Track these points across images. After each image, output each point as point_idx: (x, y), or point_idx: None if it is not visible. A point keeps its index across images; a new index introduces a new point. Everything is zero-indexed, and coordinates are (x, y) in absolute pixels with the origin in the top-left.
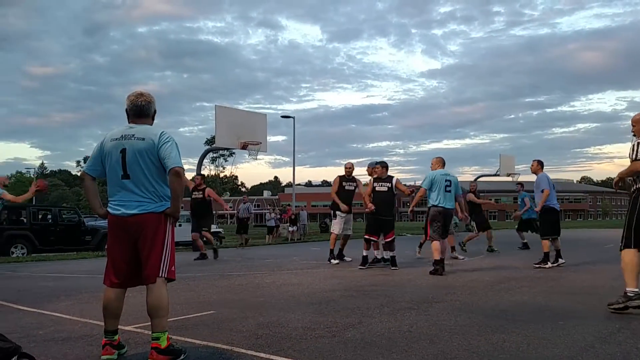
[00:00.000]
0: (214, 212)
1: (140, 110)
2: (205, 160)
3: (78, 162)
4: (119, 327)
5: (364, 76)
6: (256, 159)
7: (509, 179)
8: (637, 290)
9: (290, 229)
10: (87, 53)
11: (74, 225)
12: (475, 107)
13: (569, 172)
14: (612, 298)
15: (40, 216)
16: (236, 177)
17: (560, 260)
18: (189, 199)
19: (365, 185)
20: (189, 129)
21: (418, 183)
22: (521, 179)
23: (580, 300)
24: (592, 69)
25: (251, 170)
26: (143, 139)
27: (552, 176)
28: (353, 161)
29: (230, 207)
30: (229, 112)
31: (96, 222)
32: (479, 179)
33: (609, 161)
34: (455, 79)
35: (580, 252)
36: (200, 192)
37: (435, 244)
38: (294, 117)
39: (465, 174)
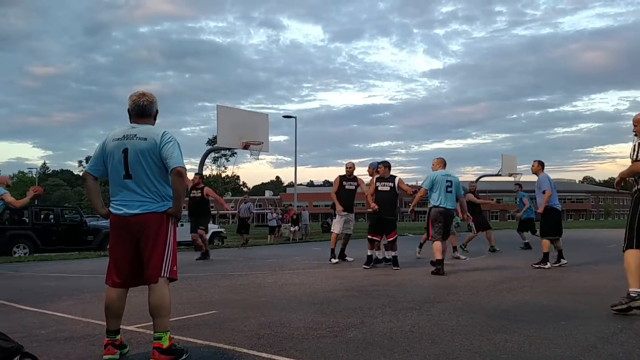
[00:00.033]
0: (215, 212)
1: (142, 110)
2: (207, 160)
3: (80, 162)
4: (121, 326)
5: (366, 76)
6: (258, 158)
7: (511, 179)
8: None
9: (292, 229)
10: (89, 53)
11: (76, 225)
12: (477, 107)
13: (571, 172)
14: (614, 299)
15: (42, 216)
16: (238, 177)
17: (563, 261)
18: (187, 198)
19: (367, 185)
20: (191, 129)
21: (420, 183)
22: (523, 179)
23: (582, 300)
24: (595, 68)
25: (253, 170)
26: (145, 139)
27: (554, 176)
28: (355, 161)
29: (232, 207)
30: (230, 112)
31: (98, 222)
32: (481, 179)
33: (611, 161)
34: (457, 79)
35: (583, 252)
36: (199, 191)
37: (437, 244)
38: (295, 117)
39: (467, 174)
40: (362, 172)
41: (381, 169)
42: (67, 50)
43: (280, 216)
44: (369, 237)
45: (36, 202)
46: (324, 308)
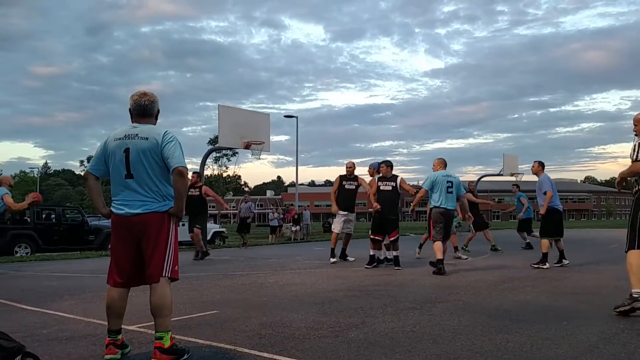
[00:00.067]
0: (217, 211)
1: (144, 109)
2: (208, 160)
3: (81, 161)
4: (123, 326)
5: (367, 76)
6: (259, 158)
7: (513, 178)
8: None
9: (293, 228)
10: (91, 53)
11: (77, 225)
12: (479, 106)
13: (573, 172)
14: (616, 299)
15: (43, 216)
16: (239, 176)
17: (565, 261)
18: None
19: (368, 184)
20: (192, 129)
21: (421, 183)
22: (524, 178)
23: (584, 300)
24: (596, 68)
25: (254, 170)
26: (146, 139)
27: (555, 176)
28: (356, 161)
29: (233, 207)
30: (232, 112)
31: (99, 221)
32: (482, 179)
33: (613, 161)
34: (458, 79)
35: (584, 252)
36: (197, 190)
37: (437, 244)
38: (297, 117)
39: (469, 174)
40: (363, 172)
41: (383, 169)
42: (69, 50)
43: (282, 216)
44: (372, 237)
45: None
46: (326, 308)
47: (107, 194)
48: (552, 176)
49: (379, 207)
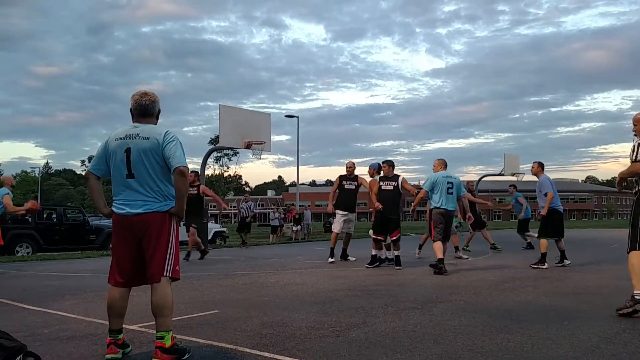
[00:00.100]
0: (217, 211)
1: (145, 109)
2: (209, 160)
3: (83, 161)
4: (124, 326)
5: (368, 75)
6: (260, 158)
7: (514, 178)
8: None
9: (294, 228)
10: (92, 53)
11: (78, 225)
12: (480, 106)
13: (574, 172)
14: (617, 299)
15: (45, 215)
16: (240, 176)
17: (566, 261)
18: None
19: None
20: (193, 129)
21: (422, 182)
22: (525, 178)
23: (585, 300)
24: (597, 68)
25: (255, 170)
26: (147, 138)
27: (556, 176)
28: (357, 160)
29: (234, 207)
30: (232, 112)
31: (101, 221)
32: (483, 179)
33: (614, 160)
34: (459, 78)
35: (586, 252)
36: (195, 189)
37: (437, 244)
38: (297, 117)
39: (470, 174)
40: (363, 172)
41: (385, 168)
42: (69, 50)
43: (283, 216)
44: (374, 236)
45: (39, 201)
46: (326, 308)
47: (108, 193)
48: (553, 176)
49: (380, 206)
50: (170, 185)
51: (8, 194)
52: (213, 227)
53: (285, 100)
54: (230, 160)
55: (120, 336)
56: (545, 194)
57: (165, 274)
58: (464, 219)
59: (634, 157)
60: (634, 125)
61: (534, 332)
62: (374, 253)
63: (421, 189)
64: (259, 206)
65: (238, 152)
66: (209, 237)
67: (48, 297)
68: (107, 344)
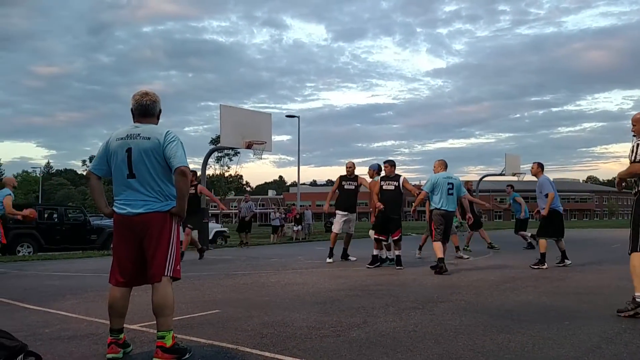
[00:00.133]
0: (218, 211)
1: (146, 109)
2: (210, 160)
3: (84, 161)
4: (125, 325)
5: (369, 75)
6: (261, 158)
7: (514, 178)
8: None
9: (295, 228)
10: (92, 53)
11: (79, 224)
12: (481, 106)
13: (575, 172)
14: (618, 299)
15: (46, 215)
16: (241, 176)
17: (567, 261)
18: None
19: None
20: (194, 129)
21: (423, 182)
22: (526, 178)
23: (586, 300)
24: (598, 68)
25: (256, 170)
26: (149, 138)
27: (557, 176)
28: (358, 160)
29: (235, 207)
30: (233, 112)
31: (102, 221)
32: (484, 179)
33: (615, 160)
34: (460, 78)
35: (587, 252)
36: (193, 188)
37: (437, 244)
38: (298, 117)
39: (471, 174)
40: (364, 172)
41: (387, 168)
42: (70, 50)
43: (283, 215)
44: (375, 236)
45: (40, 201)
46: (327, 307)
47: (109, 193)
48: (554, 176)
49: (382, 206)
50: (171, 185)
51: (10, 194)
52: (214, 227)
53: (286, 100)
54: (231, 160)
55: (121, 336)
56: (546, 195)
57: (166, 274)
58: (463, 219)
59: (633, 158)
60: (633, 125)
61: (534, 332)
62: (375, 253)
63: (421, 189)
64: (259, 206)
65: (239, 152)
66: (210, 237)
67: (49, 296)
68: (108, 344)
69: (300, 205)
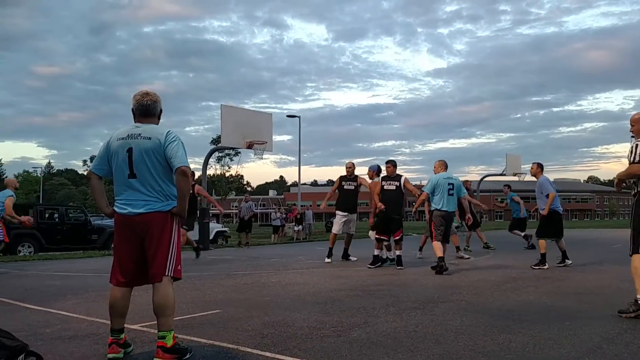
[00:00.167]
0: (219, 211)
1: (146, 109)
2: (210, 160)
3: (84, 161)
4: (125, 325)
5: (370, 75)
6: (262, 158)
7: (515, 178)
8: None
9: (296, 228)
10: (93, 53)
11: (80, 224)
12: (482, 106)
13: (576, 172)
14: (619, 299)
15: (47, 215)
16: (242, 176)
17: (568, 261)
18: None
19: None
20: (195, 129)
21: (424, 182)
22: (527, 178)
23: (586, 300)
24: (599, 67)
25: (257, 170)
26: (149, 138)
27: (558, 176)
28: (359, 160)
29: (235, 207)
30: (234, 112)
31: (102, 221)
32: (485, 179)
33: (616, 160)
34: (461, 78)
35: (588, 252)
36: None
37: (437, 243)
38: (299, 117)
39: (472, 174)
40: (364, 172)
41: (389, 168)
42: (71, 50)
43: (284, 215)
44: (377, 236)
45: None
46: (328, 308)
47: (110, 193)
48: (555, 176)
49: (383, 207)
50: (172, 185)
51: (12, 196)
52: (215, 226)
53: (287, 100)
54: (232, 160)
55: (122, 336)
56: (547, 195)
57: (167, 274)
58: (462, 219)
59: (632, 159)
60: (632, 125)
61: (535, 332)
62: (376, 253)
63: (422, 190)
64: (260, 206)
65: (240, 152)
66: (211, 237)
67: (50, 296)
68: (108, 344)
69: (301, 205)
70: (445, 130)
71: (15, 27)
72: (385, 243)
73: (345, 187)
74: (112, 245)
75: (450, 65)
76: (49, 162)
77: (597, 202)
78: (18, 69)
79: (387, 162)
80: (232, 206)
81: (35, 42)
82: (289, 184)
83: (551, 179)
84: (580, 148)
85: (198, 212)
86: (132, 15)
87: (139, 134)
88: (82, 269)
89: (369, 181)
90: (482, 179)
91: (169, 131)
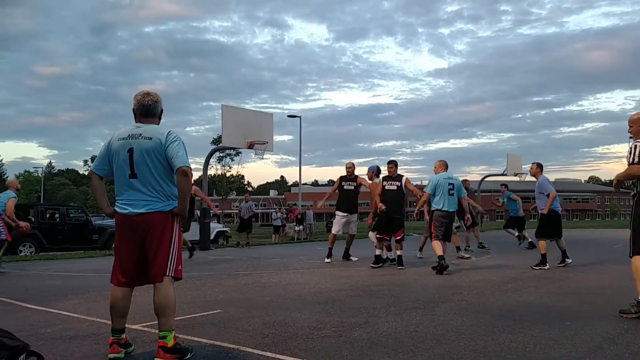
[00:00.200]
0: (220, 211)
1: (147, 109)
2: (211, 160)
3: (85, 161)
4: (126, 325)
5: (371, 75)
6: (262, 158)
7: (516, 178)
8: None
9: (297, 228)
10: (95, 53)
11: (81, 224)
12: (483, 106)
13: (577, 172)
14: (620, 299)
15: (48, 215)
16: (243, 176)
17: (568, 260)
18: None
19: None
20: (196, 129)
21: (425, 183)
22: (528, 179)
23: (587, 300)
24: (600, 68)
25: (257, 170)
26: (150, 139)
27: (559, 176)
28: (360, 161)
29: (236, 207)
30: (235, 112)
31: (103, 221)
32: (486, 179)
33: (617, 161)
34: (462, 78)
35: (588, 252)
36: None
37: (436, 242)
38: (300, 117)
39: (473, 174)
40: (364, 173)
41: (392, 169)
42: (72, 50)
43: (285, 216)
44: (378, 236)
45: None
46: (329, 308)
47: (111, 193)
48: (556, 176)
49: (384, 207)
50: (173, 185)
51: (14, 197)
52: (215, 226)
53: (288, 101)
54: (232, 160)
55: (123, 336)
56: (548, 195)
57: (167, 274)
58: (461, 219)
59: (631, 159)
60: (630, 126)
61: (536, 332)
62: (377, 253)
63: (424, 191)
64: (261, 206)
65: (240, 152)
66: (212, 237)
67: (51, 296)
68: (109, 344)
69: (302, 206)
70: (446, 130)
71: (17, 27)
72: (386, 243)
73: (345, 187)
74: (113, 245)
75: (451, 65)
76: (50, 162)
77: (598, 202)
78: (19, 68)
79: (388, 163)
80: (233, 206)
81: (37, 42)
82: (289, 184)
83: (551, 179)
84: (581, 148)
85: (198, 212)
86: (133, 15)
87: (140, 134)
88: (83, 269)
89: (369, 182)
90: (483, 179)
91: (169, 131)
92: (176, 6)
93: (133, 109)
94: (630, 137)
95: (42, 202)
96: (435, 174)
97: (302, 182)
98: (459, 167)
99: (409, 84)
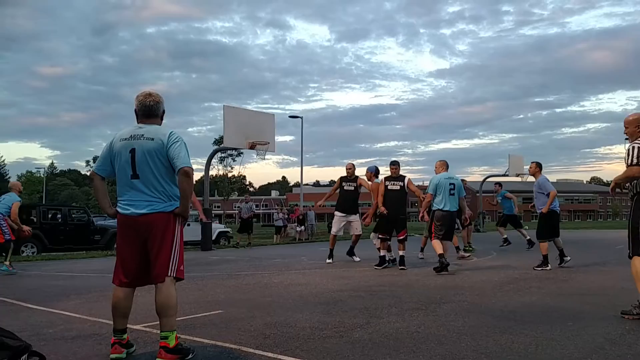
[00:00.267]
0: (222, 211)
1: (149, 110)
2: (213, 160)
3: (87, 161)
4: (128, 326)
5: (372, 76)
6: (264, 158)
7: (518, 179)
8: None
9: (298, 228)
10: (96, 53)
11: (83, 225)
12: (484, 107)
13: (579, 173)
14: (622, 300)
15: (50, 215)
16: (244, 177)
17: (566, 259)
18: None
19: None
20: (198, 129)
21: (426, 183)
22: (530, 179)
23: (589, 301)
24: (602, 68)
25: (259, 170)
26: (152, 139)
27: (561, 176)
28: (361, 161)
29: (238, 207)
30: (237, 112)
31: (105, 221)
32: (487, 179)
33: (619, 161)
34: (463, 79)
35: (590, 253)
36: None
37: (436, 241)
38: (301, 117)
39: (474, 174)
40: (364, 173)
41: (394, 169)
42: (74, 51)
43: (287, 216)
44: (381, 236)
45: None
46: (330, 308)
47: (113, 194)
48: (558, 177)
49: (385, 210)
50: (175, 186)
51: (18, 200)
52: (217, 227)
53: (289, 101)
54: (234, 160)
55: (125, 336)
56: (548, 194)
57: (169, 274)
58: (459, 219)
59: (629, 161)
60: (626, 127)
61: (538, 333)
62: (381, 254)
63: (426, 192)
64: (263, 206)
65: (242, 153)
66: (213, 238)
67: (53, 296)
68: (111, 344)
69: (304, 206)
70: (447, 130)
71: (18, 27)
72: (388, 244)
73: (345, 187)
74: (115, 246)
75: (452, 66)
76: (52, 163)
77: (600, 202)
78: (21, 69)
79: (391, 163)
80: (235, 207)
81: (38, 42)
82: (291, 184)
83: (553, 180)
84: (583, 149)
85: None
86: (135, 16)
87: (142, 135)
88: (85, 269)
89: (368, 182)
90: (484, 180)
91: (171, 132)
92: (178, 7)
93: (135, 110)
94: (627, 139)
95: (44, 202)
96: (436, 173)
97: (304, 182)
98: (461, 167)
99: (410, 84)
